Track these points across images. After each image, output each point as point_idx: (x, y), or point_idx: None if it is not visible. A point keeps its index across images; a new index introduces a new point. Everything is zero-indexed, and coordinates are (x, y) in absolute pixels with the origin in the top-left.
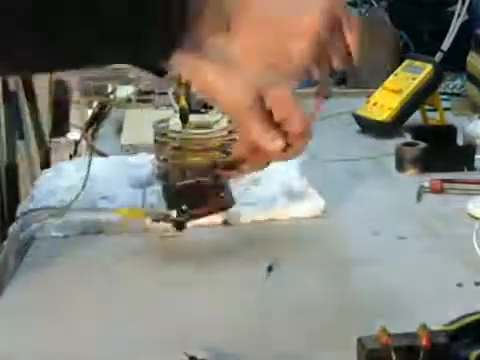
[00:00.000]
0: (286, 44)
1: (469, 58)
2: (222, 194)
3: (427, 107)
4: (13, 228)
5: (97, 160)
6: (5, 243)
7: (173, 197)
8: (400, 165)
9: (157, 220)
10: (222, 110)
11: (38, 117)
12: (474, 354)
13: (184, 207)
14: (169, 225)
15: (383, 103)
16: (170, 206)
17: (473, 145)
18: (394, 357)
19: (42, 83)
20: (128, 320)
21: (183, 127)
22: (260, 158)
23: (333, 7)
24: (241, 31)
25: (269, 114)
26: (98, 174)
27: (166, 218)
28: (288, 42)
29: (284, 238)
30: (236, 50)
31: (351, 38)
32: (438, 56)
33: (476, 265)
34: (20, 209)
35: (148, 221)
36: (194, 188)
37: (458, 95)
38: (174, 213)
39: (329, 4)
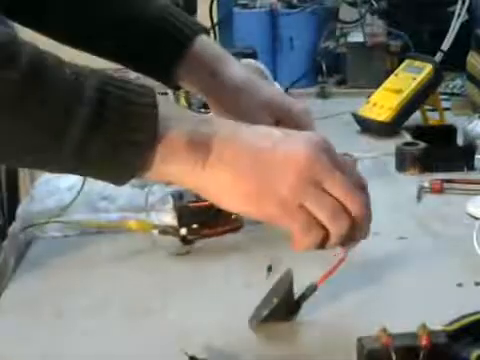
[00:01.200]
0: (272, 176)
1: (469, 58)
2: (234, 215)
3: (427, 107)
4: (13, 228)
5: None
6: (5, 243)
7: (185, 215)
8: (400, 165)
9: (165, 233)
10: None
11: None
12: (474, 354)
13: (195, 226)
14: (177, 239)
15: (383, 103)
16: (181, 224)
17: (473, 145)
18: (394, 357)
19: None
20: (128, 320)
21: None
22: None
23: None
24: (227, 163)
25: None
26: None
27: (175, 233)
28: (273, 174)
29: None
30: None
31: (338, 191)
32: (438, 56)
33: (476, 265)
34: (20, 209)
35: (156, 233)
36: (207, 209)
37: (458, 95)
38: (184, 230)
39: (317, 147)
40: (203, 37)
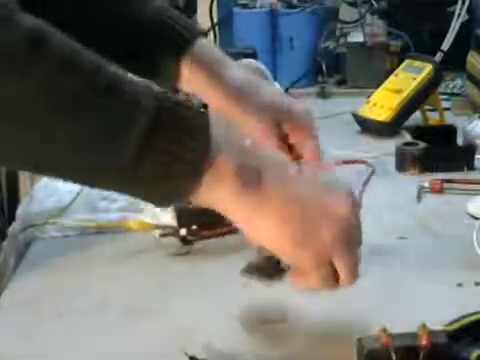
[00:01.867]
0: (316, 226)
1: (469, 58)
2: None
3: (427, 107)
4: (13, 228)
5: None
6: (5, 243)
7: (185, 216)
8: (400, 165)
9: (165, 235)
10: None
11: None
12: (474, 354)
13: (195, 227)
14: (176, 240)
15: (383, 103)
16: (181, 224)
17: (473, 145)
18: (394, 357)
19: None
20: (128, 320)
21: None
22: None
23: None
24: (270, 206)
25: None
26: None
27: (175, 233)
28: (318, 225)
29: None
30: (264, 226)
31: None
32: (438, 56)
33: (476, 265)
34: (20, 209)
35: (156, 233)
36: (207, 210)
37: (458, 95)
38: (184, 231)
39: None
40: (202, 40)
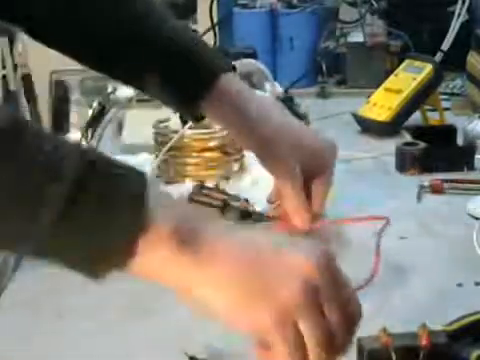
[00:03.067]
0: (274, 285)
1: (469, 58)
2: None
3: (427, 107)
4: None
5: None
6: None
7: None
8: (400, 165)
9: None
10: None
11: (38, 117)
12: (474, 354)
13: None
14: None
15: (383, 103)
16: None
17: (473, 145)
18: (394, 357)
19: (42, 83)
20: (128, 320)
21: (183, 127)
22: None
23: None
24: (221, 259)
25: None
26: None
27: None
28: (276, 283)
29: None
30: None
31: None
32: (438, 56)
33: (476, 265)
34: None
35: None
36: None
37: (458, 95)
38: None
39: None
40: (229, 74)
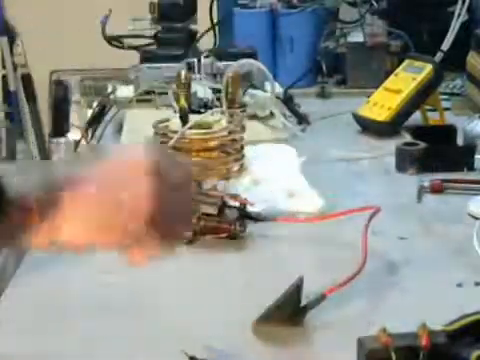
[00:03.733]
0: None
1: (469, 58)
2: (233, 225)
3: (427, 107)
4: None
5: None
6: None
7: None
8: (400, 165)
9: None
10: None
11: (38, 117)
12: (474, 354)
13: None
14: None
15: (383, 103)
16: None
17: (473, 145)
18: (394, 357)
19: (42, 83)
20: (128, 320)
21: (183, 127)
22: None
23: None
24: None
25: None
26: None
27: None
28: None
29: (284, 238)
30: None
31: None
32: (438, 56)
33: (476, 265)
34: None
35: None
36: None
37: (458, 95)
38: None
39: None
40: None
